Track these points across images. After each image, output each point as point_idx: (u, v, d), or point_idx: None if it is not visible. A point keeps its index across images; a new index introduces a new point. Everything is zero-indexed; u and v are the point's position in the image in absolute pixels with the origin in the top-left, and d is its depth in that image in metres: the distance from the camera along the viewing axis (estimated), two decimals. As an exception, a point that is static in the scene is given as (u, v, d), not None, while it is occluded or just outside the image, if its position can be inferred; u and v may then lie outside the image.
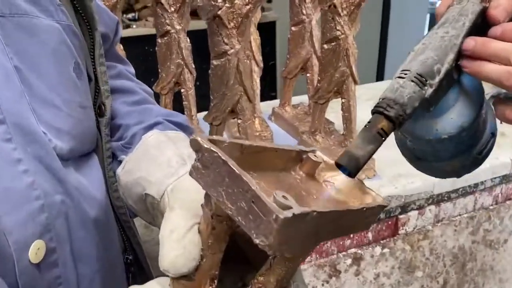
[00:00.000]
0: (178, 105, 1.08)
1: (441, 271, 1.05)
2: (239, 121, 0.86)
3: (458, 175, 0.47)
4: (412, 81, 0.39)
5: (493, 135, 0.45)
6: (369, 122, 0.40)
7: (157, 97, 1.09)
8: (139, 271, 0.66)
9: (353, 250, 0.94)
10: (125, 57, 0.90)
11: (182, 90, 1.04)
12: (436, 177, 0.50)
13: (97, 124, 0.58)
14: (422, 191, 0.96)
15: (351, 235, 0.93)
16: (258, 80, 1.12)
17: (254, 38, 1.08)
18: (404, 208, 0.97)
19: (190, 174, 0.37)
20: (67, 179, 0.48)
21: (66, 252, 0.48)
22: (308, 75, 1.14)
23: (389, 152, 1.07)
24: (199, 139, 0.36)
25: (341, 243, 0.93)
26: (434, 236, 1.01)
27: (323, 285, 0.91)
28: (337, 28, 0.90)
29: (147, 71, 1.36)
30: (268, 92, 2.90)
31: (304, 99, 1.31)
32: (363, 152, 0.39)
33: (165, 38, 0.99)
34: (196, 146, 0.36)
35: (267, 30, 2.87)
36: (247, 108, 0.85)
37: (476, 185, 1.03)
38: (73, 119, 0.50)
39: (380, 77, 3.39)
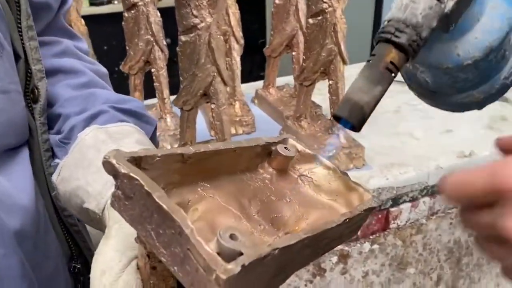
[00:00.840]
0: (151, 86, 0.98)
1: (435, 266, 0.97)
2: (213, 106, 0.76)
3: (481, 106, 0.38)
4: None
5: None
6: (372, 55, 0.30)
7: (126, 77, 0.99)
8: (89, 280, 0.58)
9: (339, 247, 0.85)
10: (85, 34, 0.79)
11: (152, 70, 0.94)
12: (453, 111, 0.41)
13: (30, 111, 0.48)
14: (416, 182, 0.88)
15: (338, 231, 0.85)
16: (238, 59, 1.02)
17: (233, 11, 0.98)
18: (396, 201, 0.88)
19: (112, 204, 0.28)
20: None
21: None
22: (293, 53, 1.04)
23: (380, 138, 0.99)
24: (114, 161, 0.27)
25: (326, 239, 0.85)
26: (428, 230, 0.93)
27: (306, 285, 0.83)
28: (324, 0, 0.80)
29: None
30: (258, 72, 2.78)
31: (290, 79, 1.21)
32: (369, 97, 0.30)
33: (132, 11, 0.89)
34: (111, 170, 0.27)
35: (256, 5, 2.74)
36: (221, 92, 0.75)
37: (474, 174, 0.95)
38: None
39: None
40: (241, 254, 0.23)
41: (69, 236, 0.54)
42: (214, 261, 0.23)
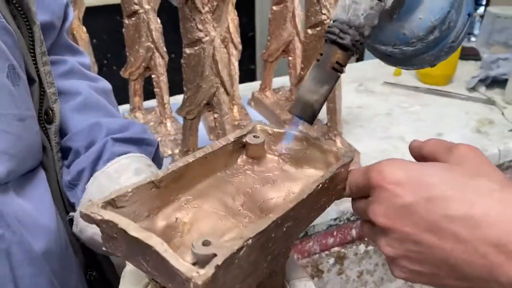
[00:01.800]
0: (150, 90, 0.99)
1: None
2: (216, 115, 0.78)
3: (433, 65, 0.43)
4: None
5: (470, 15, 0.39)
6: (321, 54, 0.34)
7: (126, 82, 1.00)
8: (105, 287, 0.60)
9: (336, 249, 0.89)
10: (86, 42, 0.80)
11: (153, 76, 0.95)
12: (409, 69, 0.45)
13: (44, 132, 0.50)
14: (409, 186, 0.91)
15: (334, 233, 0.89)
16: (236, 64, 1.04)
17: (232, 18, 0.99)
18: (390, 204, 0.92)
19: (105, 247, 0.31)
20: (6, 209, 0.41)
21: None
22: (290, 58, 1.06)
23: (373, 142, 1.03)
24: (88, 212, 0.30)
25: (323, 241, 0.88)
26: (419, 231, 0.97)
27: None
28: (323, 12, 0.82)
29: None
30: (248, 65, 2.79)
31: (285, 81, 1.24)
32: (317, 95, 0.34)
33: (133, 18, 0.90)
34: (89, 220, 0.30)
35: (245, -1, 2.73)
36: (224, 102, 0.77)
37: (463, 177, 0.99)
38: (10, 135, 0.42)
39: (359, 56, 3.31)
40: (215, 255, 0.26)
41: (83, 245, 0.56)
42: (189, 270, 0.25)
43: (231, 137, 0.39)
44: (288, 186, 0.38)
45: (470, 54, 1.46)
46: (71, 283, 0.50)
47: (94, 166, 0.49)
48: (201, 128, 1.01)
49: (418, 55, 0.39)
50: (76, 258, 0.53)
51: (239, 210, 0.35)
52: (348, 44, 0.33)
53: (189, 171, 0.35)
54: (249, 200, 0.36)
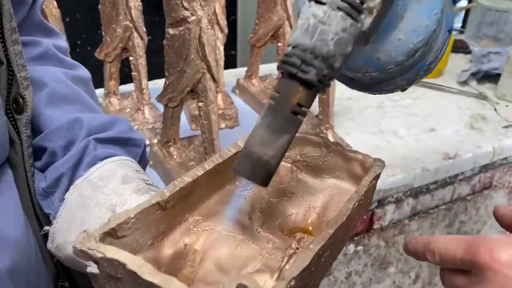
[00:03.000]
0: (127, 73, 0.91)
1: (414, 265, 0.98)
2: (201, 104, 0.71)
3: (404, 89, 0.35)
4: (340, 9, 0.24)
5: (450, 31, 0.32)
6: (277, 92, 0.25)
7: (101, 64, 0.91)
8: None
9: (325, 249, 0.84)
10: (58, 18, 0.71)
11: (130, 58, 0.87)
12: (375, 94, 0.37)
13: (13, 123, 0.42)
14: (402, 184, 0.87)
15: (324, 233, 0.83)
16: (222, 49, 0.97)
17: (218, -2, 0.92)
18: (381, 202, 0.87)
19: (103, 287, 0.25)
20: None
21: None
22: (279, 44, 0.99)
23: (364, 137, 0.97)
24: (85, 248, 0.24)
25: (312, 241, 0.83)
26: (410, 231, 0.93)
27: None
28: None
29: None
30: (228, 51, 2.71)
31: (273, 68, 1.17)
32: (274, 150, 0.25)
33: (110, -6, 0.81)
34: (85, 257, 0.24)
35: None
36: (211, 89, 0.70)
37: (456, 175, 0.95)
38: None
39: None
40: None
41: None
42: None
43: (241, 143, 0.33)
44: (307, 199, 0.33)
45: (460, 47, 1.42)
46: None
47: (74, 171, 0.42)
48: (182, 116, 0.93)
49: (389, 79, 0.32)
50: (46, 271, 0.46)
51: (259, 232, 0.31)
52: (313, 80, 0.25)
53: (197, 186, 0.30)
54: (267, 218, 0.32)
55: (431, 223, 0.95)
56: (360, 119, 1.03)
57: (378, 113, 1.07)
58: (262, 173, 0.26)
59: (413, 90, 1.19)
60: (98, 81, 0.95)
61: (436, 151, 0.92)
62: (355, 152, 0.34)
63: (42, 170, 0.43)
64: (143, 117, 0.90)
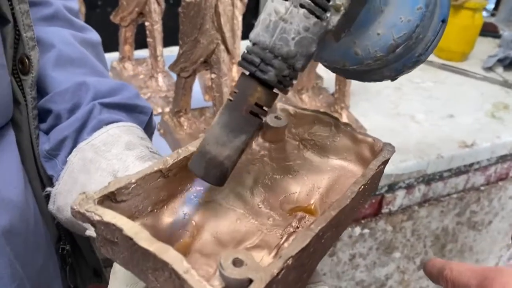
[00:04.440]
0: (143, 39, 0.90)
1: (420, 252, 0.97)
2: (213, 75, 0.70)
3: (394, 79, 0.34)
4: (303, 6, 0.23)
5: (444, 21, 0.30)
6: (235, 92, 0.24)
7: (117, 28, 0.90)
8: (79, 261, 0.54)
9: (330, 230, 0.83)
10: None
11: (146, 24, 0.86)
12: (363, 81, 0.36)
13: (18, 84, 0.42)
14: (415, 170, 0.85)
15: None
16: (240, 19, 0.94)
17: (240, -34, 0.89)
18: (392, 186, 0.86)
19: (100, 251, 0.25)
20: None
21: None
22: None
23: (380, 119, 0.95)
24: (82, 210, 0.23)
25: (318, 221, 0.82)
26: (419, 217, 0.92)
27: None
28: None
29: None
30: (250, 20, 2.66)
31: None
32: (229, 150, 0.25)
33: (128, -45, 0.79)
34: (82, 219, 0.24)
35: None
36: (224, 61, 0.69)
37: (471, 164, 0.93)
38: None
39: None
40: (251, 280, 0.20)
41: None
42: None
43: None
44: (312, 179, 0.32)
45: (489, 30, 1.36)
46: (37, 261, 0.43)
47: (78, 135, 0.41)
48: (197, 86, 0.92)
49: (374, 71, 0.31)
50: (47, 233, 0.46)
51: (260, 207, 0.30)
52: (272, 81, 0.24)
53: None
54: (269, 194, 0.31)
55: (441, 211, 0.94)
56: (377, 100, 1.00)
57: (396, 95, 1.04)
58: (216, 173, 0.25)
59: (435, 73, 1.16)
60: (116, 45, 0.94)
61: (453, 138, 0.90)
62: (365, 134, 0.32)
63: (47, 132, 0.43)
64: (157, 84, 0.89)
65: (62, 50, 0.44)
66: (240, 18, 0.93)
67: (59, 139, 0.40)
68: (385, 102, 1.00)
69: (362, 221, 0.86)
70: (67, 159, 0.39)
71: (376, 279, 0.95)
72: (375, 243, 0.90)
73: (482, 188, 0.98)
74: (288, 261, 0.21)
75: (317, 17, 0.23)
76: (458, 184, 0.94)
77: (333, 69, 0.33)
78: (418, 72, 1.14)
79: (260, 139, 0.34)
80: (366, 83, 1.07)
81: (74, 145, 0.40)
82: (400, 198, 0.88)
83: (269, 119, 0.33)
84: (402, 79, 1.10)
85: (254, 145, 0.34)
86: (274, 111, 0.35)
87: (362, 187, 0.28)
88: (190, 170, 0.26)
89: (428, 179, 0.89)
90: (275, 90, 0.25)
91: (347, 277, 0.90)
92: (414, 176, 0.86)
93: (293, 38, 0.23)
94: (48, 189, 0.41)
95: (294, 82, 0.25)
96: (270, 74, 0.23)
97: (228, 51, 0.69)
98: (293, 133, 0.35)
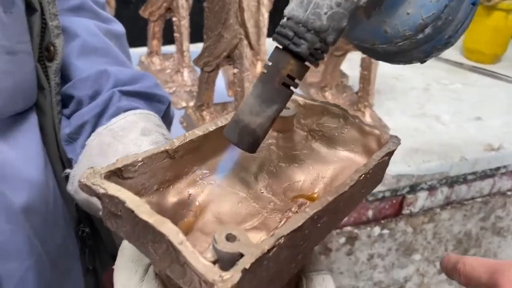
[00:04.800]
0: (171, 34, 0.92)
1: (441, 255, 0.96)
2: (235, 70, 0.71)
3: (423, 61, 0.34)
4: None
5: (475, 4, 0.31)
6: (269, 64, 0.26)
7: (145, 23, 0.92)
8: (98, 244, 0.56)
9: (348, 228, 0.83)
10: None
11: (174, 19, 0.88)
12: (392, 63, 0.36)
13: (44, 71, 0.44)
14: (437, 172, 0.84)
15: (349, 212, 0.82)
16: (266, 15, 0.95)
17: (267, -37, 0.89)
18: (413, 187, 0.85)
19: (105, 224, 0.26)
20: None
21: None
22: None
23: (405, 119, 0.94)
24: (89, 183, 0.24)
25: (336, 219, 0.82)
26: (441, 220, 0.90)
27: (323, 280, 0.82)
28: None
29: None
30: (281, 18, 2.66)
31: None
32: (262, 118, 0.26)
33: (158, -48, 0.81)
34: (89, 192, 0.25)
35: None
36: (246, 56, 0.69)
37: (498, 168, 0.91)
38: None
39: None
40: (242, 255, 0.21)
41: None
42: (211, 272, 0.20)
43: None
44: (317, 168, 0.33)
45: (524, 33, 1.32)
46: (56, 240, 0.45)
47: (97, 120, 0.43)
48: (221, 81, 0.93)
49: (404, 52, 0.31)
50: (66, 215, 0.48)
51: (262, 192, 0.31)
52: (304, 53, 0.25)
53: (208, 141, 0.31)
54: (273, 181, 0.32)
55: (464, 215, 0.92)
56: (402, 100, 0.99)
57: (423, 95, 1.03)
58: (249, 140, 0.26)
59: (465, 75, 1.13)
60: (146, 39, 0.96)
61: (479, 141, 0.88)
62: (372, 126, 0.33)
63: (69, 117, 0.45)
64: (182, 79, 0.91)
65: (86, 39, 0.46)
66: (266, 15, 0.94)
67: (79, 124, 0.42)
68: (411, 102, 0.99)
69: (382, 221, 0.86)
70: (86, 142, 0.41)
71: (395, 280, 0.94)
72: (394, 244, 0.89)
73: (508, 193, 0.96)
74: (280, 240, 0.22)
75: None
76: (483, 188, 0.92)
77: (363, 50, 0.33)
78: (446, 74, 1.12)
79: None
80: (393, 83, 1.06)
81: (93, 130, 0.42)
82: (421, 199, 0.87)
83: None
84: (430, 80, 1.09)
85: None
86: None
87: (363, 176, 0.28)
88: (225, 136, 0.27)
89: (451, 182, 0.88)
90: (306, 63, 0.26)
91: (364, 277, 0.90)
92: (437, 177, 0.85)
93: (325, 13, 0.24)
94: (67, 170, 0.43)
95: (325, 56, 0.26)
96: (302, 47, 0.24)
97: (251, 46, 0.69)
98: (302, 123, 0.35)
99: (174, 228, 0.22)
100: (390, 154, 0.30)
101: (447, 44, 0.31)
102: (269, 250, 0.21)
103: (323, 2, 0.24)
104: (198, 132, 0.30)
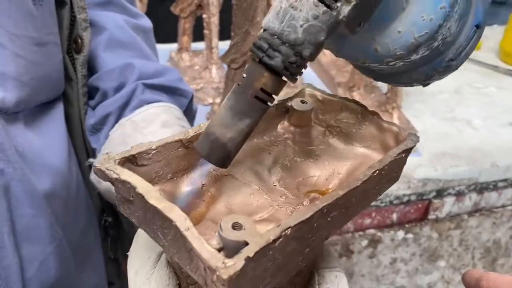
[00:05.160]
0: (199, 31, 0.93)
1: (468, 263, 0.93)
2: (262, 68, 0.71)
3: (424, 85, 0.32)
4: None
5: (478, 27, 0.29)
6: (243, 76, 0.25)
7: (177, 19, 0.94)
8: (120, 234, 0.57)
9: (371, 231, 0.82)
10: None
11: (204, 16, 0.88)
12: (392, 84, 0.34)
13: (72, 62, 0.45)
14: (466, 177, 0.81)
15: (372, 215, 0.81)
16: (295, 14, 0.95)
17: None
18: (440, 192, 0.83)
19: (119, 209, 0.27)
20: (11, 142, 0.37)
21: (4, 234, 0.38)
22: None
23: (434, 122, 0.92)
24: (103, 167, 0.25)
25: (359, 221, 0.81)
26: (468, 227, 0.88)
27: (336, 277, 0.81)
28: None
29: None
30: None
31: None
32: (233, 132, 0.25)
33: (190, -51, 0.82)
34: (103, 176, 0.25)
35: None
36: (273, 54, 0.69)
37: (531, 176, 0.88)
38: (23, 60, 0.38)
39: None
40: (247, 243, 0.21)
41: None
42: (214, 259, 0.20)
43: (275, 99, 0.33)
44: (333, 164, 0.32)
45: None
46: (77, 228, 0.47)
47: (121, 112, 0.44)
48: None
49: (401, 73, 0.30)
50: (89, 203, 0.50)
51: (275, 185, 0.31)
52: (278, 66, 0.24)
53: None
54: (287, 175, 0.31)
55: (493, 223, 0.89)
56: (432, 103, 0.97)
57: (454, 98, 1.00)
58: (219, 155, 0.25)
59: (499, 78, 1.10)
60: (174, 36, 0.98)
61: (510, 147, 0.85)
62: (391, 123, 0.32)
63: (94, 108, 0.47)
64: (210, 75, 0.92)
65: (113, 33, 0.48)
66: (296, 14, 0.94)
67: (103, 115, 0.43)
68: (441, 105, 0.97)
69: (406, 225, 0.84)
70: (109, 133, 0.42)
71: (418, 286, 0.92)
72: (418, 249, 0.87)
73: (542, 202, 0.92)
74: (286, 231, 0.22)
75: (327, 6, 0.23)
76: (514, 196, 0.89)
77: (358, 68, 0.33)
78: (480, 77, 1.09)
79: (286, 123, 0.35)
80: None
81: (116, 121, 0.43)
82: (448, 205, 0.85)
83: (294, 103, 0.34)
84: (462, 83, 1.06)
85: (279, 128, 0.35)
86: (302, 96, 0.35)
87: (377, 172, 0.27)
88: (195, 149, 0.26)
89: (480, 188, 0.85)
90: (283, 78, 0.25)
91: (386, 281, 0.89)
92: (465, 183, 0.82)
93: (301, 26, 0.23)
94: (91, 160, 0.44)
95: (303, 70, 0.25)
96: (276, 60, 0.24)
97: (278, 44, 0.69)
98: (320, 119, 0.35)
99: (181, 214, 0.22)
100: (407, 151, 0.30)
101: (449, 67, 0.29)
102: (274, 240, 0.21)
103: (299, 14, 0.23)
104: None
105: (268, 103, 0.25)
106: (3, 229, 0.37)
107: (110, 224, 0.55)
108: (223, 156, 0.25)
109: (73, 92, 0.46)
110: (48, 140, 0.42)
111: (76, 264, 0.45)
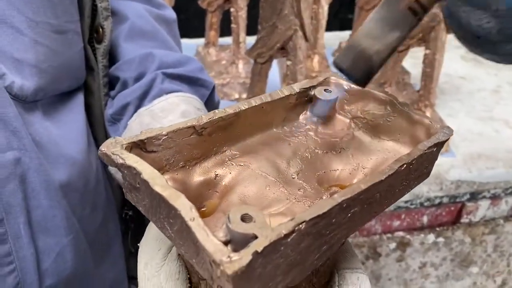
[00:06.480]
0: (227, 25, 0.92)
1: (503, 270, 0.89)
2: (289, 62, 0.69)
3: None
4: None
5: None
6: None
7: (204, 13, 0.93)
8: (141, 228, 0.57)
9: (400, 233, 0.79)
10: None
11: (231, 10, 0.87)
12: (502, 62, 0.32)
13: (93, 52, 0.45)
14: (502, 180, 0.77)
15: (402, 216, 0.78)
16: (326, 8, 0.92)
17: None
18: (474, 195, 0.79)
19: (126, 197, 0.25)
20: (28, 130, 0.37)
21: (20, 224, 0.37)
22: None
23: (470, 121, 0.88)
24: (109, 152, 0.23)
25: (388, 223, 0.78)
26: (504, 232, 0.84)
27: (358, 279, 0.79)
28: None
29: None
30: (345, 14, 2.59)
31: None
32: (381, 44, 0.23)
33: None
34: (109, 161, 0.24)
35: None
36: (301, 48, 0.67)
37: None
38: (42, 48, 0.37)
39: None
40: (256, 237, 0.19)
41: None
42: (219, 252, 0.19)
43: (297, 87, 0.31)
44: (358, 158, 0.30)
45: None
46: (95, 220, 0.46)
47: (140, 101, 0.43)
48: (275, 74, 0.92)
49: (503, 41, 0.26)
50: (110, 196, 0.49)
51: (293, 178, 0.29)
52: None
53: (240, 120, 0.29)
54: (307, 167, 0.29)
55: (532, 229, 0.85)
56: (468, 102, 0.93)
57: (492, 97, 0.96)
58: (363, 67, 0.24)
59: (542, 77, 1.04)
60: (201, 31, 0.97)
61: (553, 150, 0.80)
62: (422, 115, 0.30)
63: (114, 98, 0.46)
64: (236, 70, 0.91)
65: (135, 22, 0.47)
66: (326, 8, 0.92)
67: (122, 105, 0.43)
68: (478, 105, 0.92)
69: (437, 229, 0.81)
70: (128, 123, 0.41)
71: (448, 292, 0.88)
72: (450, 254, 0.83)
73: None
74: (300, 225, 0.20)
75: None
76: (555, 201, 0.84)
77: (468, 36, 0.30)
78: (521, 75, 1.04)
79: (308, 113, 0.32)
80: (459, 83, 0.99)
81: (135, 111, 0.42)
82: (483, 208, 0.81)
83: (318, 92, 0.31)
84: (501, 81, 1.01)
85: (300, 118, 0.32)
86: (326, 85, 0.33)
87: (405, 166, 0.25)
88: (335, 63, 0.25)
89: (518, 192, 0.81)
90: None
91: (415, 286, 0.85)
92: (502, 186, 0.78)
93: None
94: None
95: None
96: None
97: (306, 38, 0.67)
98: (345, 109, 0.33)
99: (187, 203, 0.20)
100: (439, 145, 0.27)
101: None
102: (287, 235, 0.20)
103: None
104: (229, 110, 0.28)
105: (420, 17, 0.23)
106: (19, 220, 0.37)
107: (131, 218, 0.54)
108: (366, 70, 0.24)
109: (94, 83, 0.46)
110: (66, 130, 0.41)
111: (94, 257, 0.44)
